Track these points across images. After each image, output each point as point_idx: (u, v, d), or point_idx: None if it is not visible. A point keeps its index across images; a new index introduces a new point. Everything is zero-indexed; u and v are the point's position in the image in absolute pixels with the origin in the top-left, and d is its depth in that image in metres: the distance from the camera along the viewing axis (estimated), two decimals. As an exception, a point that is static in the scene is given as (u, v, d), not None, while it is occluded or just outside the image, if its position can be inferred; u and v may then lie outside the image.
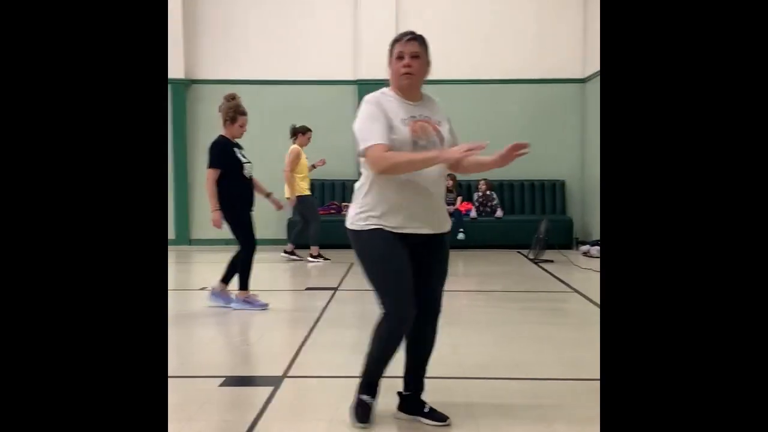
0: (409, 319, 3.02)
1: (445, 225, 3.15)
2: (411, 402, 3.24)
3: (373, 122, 2.93)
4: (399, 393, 3.28)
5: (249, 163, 5.81)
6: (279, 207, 6.70)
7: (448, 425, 3.16)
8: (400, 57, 3.01)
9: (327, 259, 8.86)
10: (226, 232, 5.83)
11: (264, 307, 5.86)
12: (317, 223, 8.90)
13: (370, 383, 3.19)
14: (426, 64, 3.06)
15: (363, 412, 3.15)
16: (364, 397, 3.17)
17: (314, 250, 8.93)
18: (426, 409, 3.22)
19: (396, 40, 3.06)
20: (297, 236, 9.07)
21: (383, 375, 3.20)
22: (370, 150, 2.91)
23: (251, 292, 5.91)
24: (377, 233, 2.99)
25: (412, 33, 3.06)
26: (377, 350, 3.13)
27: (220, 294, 5.94)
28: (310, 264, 8.79)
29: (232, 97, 5.86)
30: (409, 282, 3.00)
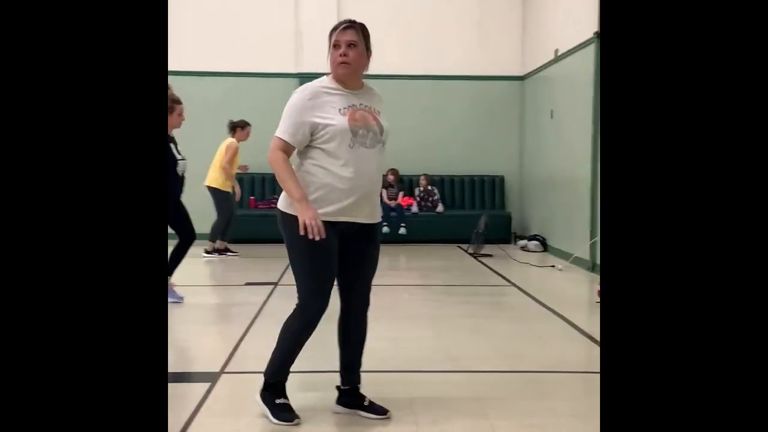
0: (322, 312, 3.03)
1: (377, 215, 3.14)
2: (350, 396, 3.23)
3: (291, 116, 2.95)
4: (337, 387, 3.27)
5: (183, 160, 5.64)
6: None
7: (387, 418, 3.16)
8: (337, 46, 2.98)
9: (235, 254, 8.74)
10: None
11: (179, 300, 5.74)
12: (222, 219, 8.70)
13: (278, 384, 3.16)
14: (364, 52, 3.01)
15: (288, 411, 3.13)
16: (281, 401, 3.14)
17: (209, 245, 8.74)
18: (366, 403, 3.21)
19: (334, 29, 3.02)
20: (215, 232, 8.87)
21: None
22: (274, 141, 2.98)
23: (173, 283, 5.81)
24: None
25: (349, 21, 3.02)
26: (290, 344, 3.11)
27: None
28: (205, 259, 8.59)
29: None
30: (332, 275, 3.01)
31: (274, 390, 3.16)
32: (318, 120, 2.92)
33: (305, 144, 2.97)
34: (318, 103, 2.94)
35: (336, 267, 3.03)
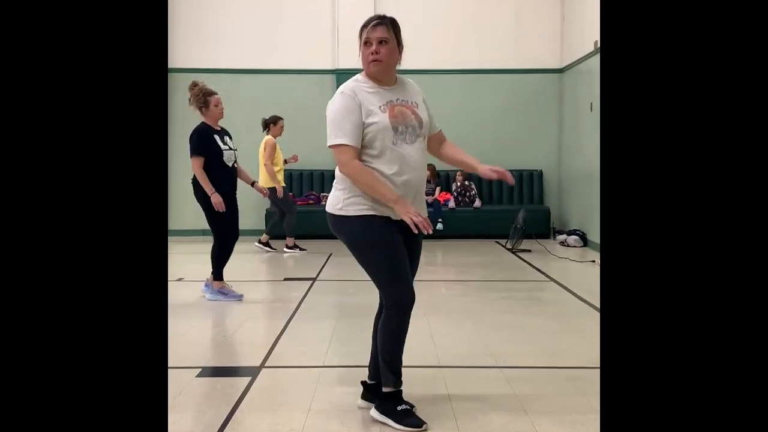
0: (413, 300, 2.98)
1: (424, 213, 3.12)
2: (376, 391, 3.19)
3: (345, 118, 2.88)
4: (363, 382, 3.25)
5: (230, 150, 5.72)
6: (264, 194, 6.72)
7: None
8: (368, 43, 2.95)
9: (303, 250, 8.83)
10: (203, 222, 5.78)
11: (239, 298, 5.81)
12: (292, 214, 8.86)
13: (396, 392, 3.07)
14: (395, 48, 2.98)
15: (412, 416, 3.03)
16: (402, 407, 3.04)
17: (290, 240, 8.89)
18: None
19: (364, 26, 2.98)
20: (273, 227, 9.03)
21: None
22: (337, 149, 2.89)
23: (226, 283, 5.87)
24: (373, 219, 2.93)
25: (379, 17, 2.99)
26: (395, 350, 3.02)
27: (218, 290, 5.88)
28: (286, 254, 8.76)
29: (194, 85, 5.76)
30: (407, 263, 2.97)
31: (391, 398, 3.07)
32: (366, 119, 2.89)
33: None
34: (363, 102, 2.91)
35: (407, 258, 2.99)
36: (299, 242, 8.93)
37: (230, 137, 5.84)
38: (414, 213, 2.83)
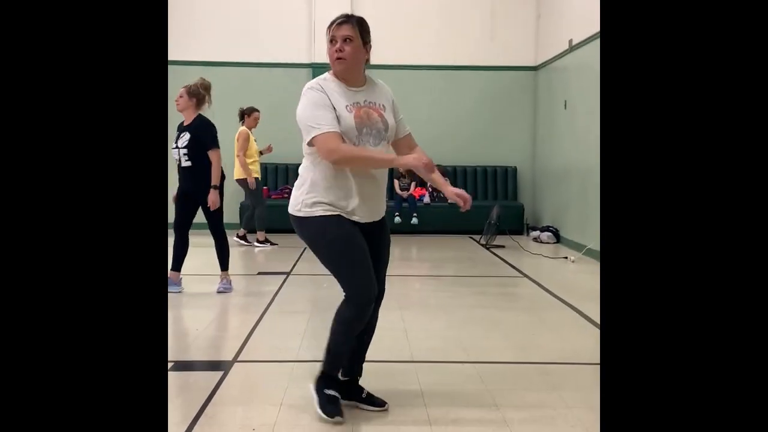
0: (372, 301, 2.97)
1: (384, 210, 3.12)
2: (349, 387, 3.19)
3: (319, 109, 2.83)
4: (336, 380, 3.22)
5: (176, 148, 5.67)
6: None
7: (385, 410, 3.15)
8: (333, 41, 2.92)
9: (274, 244, 8.79)
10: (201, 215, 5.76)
11: (178, 291, 5.80)
12: (262, 207, 8.80)
13: (331, 377, 3.11)
14: (360, 47, 2.93)
15: (335, 405, 3.06)
16: (330, 392, 3.07)
17: (260, 234, 8.84)
18: (363, 395, 3.19)
19: (330, 24, 2.95)
20: (248, 221, 8.98)
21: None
22: (321, 138, 2.81)
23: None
24: (331, 219, 2.91)
25: (345, 16, 2.95)
26: (342, 338, 3.02)
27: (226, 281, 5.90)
28: (257, 249, 8.71)
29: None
30: (367, 259, 2.94)
31: (326, 380, 3.10)
32: (335, 113, 2.86)
33: None
34: (330, 96, 2.87)
35: (367, 252, 2.97)
36: (272, 236, 8.90)
37: (191, 133, 5.65)
38: (419, 158, 2.87)
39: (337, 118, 2.84)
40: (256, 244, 8.80)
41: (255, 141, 8.70)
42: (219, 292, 5.81)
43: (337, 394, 3.08)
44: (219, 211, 5.64)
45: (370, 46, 2.99)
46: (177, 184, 5.72)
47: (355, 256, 2.91)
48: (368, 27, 2.99)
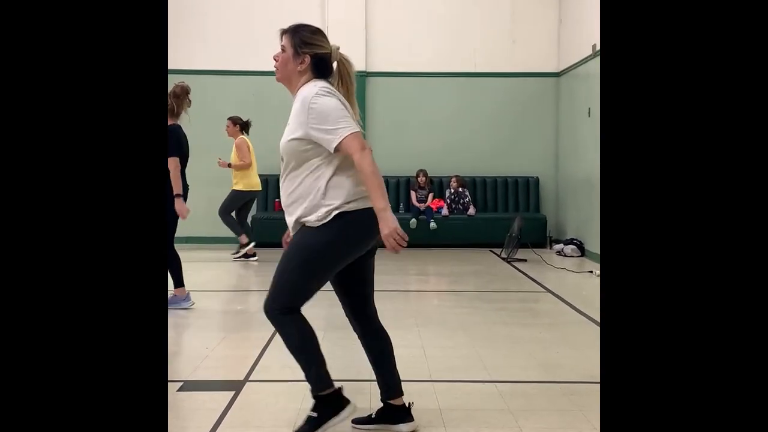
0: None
1: (292, 226, 2.98)
2: (384, 412, 3.11)
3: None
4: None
5: None
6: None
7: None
8: None
9: (254, 258, 8.64)
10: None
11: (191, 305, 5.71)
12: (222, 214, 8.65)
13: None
14: (290, 57, 2.85)
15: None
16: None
17: (243, 238, 8.68)
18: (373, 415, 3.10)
19: None
20: (247, 233, 8.85)
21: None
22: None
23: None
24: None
25: (288, 27, 2.94)
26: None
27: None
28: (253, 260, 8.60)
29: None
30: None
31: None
32: None
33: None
34: None
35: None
36: (260, 250, 8.74)
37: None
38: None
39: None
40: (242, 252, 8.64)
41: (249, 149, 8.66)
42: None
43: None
44: (175, 224, 5.52)
45: (311, 56, 2.86)
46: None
47: (325, 277, 2.97)
48: (311, 38, 2.88)
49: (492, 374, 3.95)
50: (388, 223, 2.73)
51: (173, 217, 5.44)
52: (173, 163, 5.42)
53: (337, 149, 2.75)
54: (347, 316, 3.07)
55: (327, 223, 2.80)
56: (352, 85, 2.96)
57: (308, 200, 2.80)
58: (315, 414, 2.91)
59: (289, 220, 2.90)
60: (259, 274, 7.88)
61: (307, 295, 2.91)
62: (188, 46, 10.40)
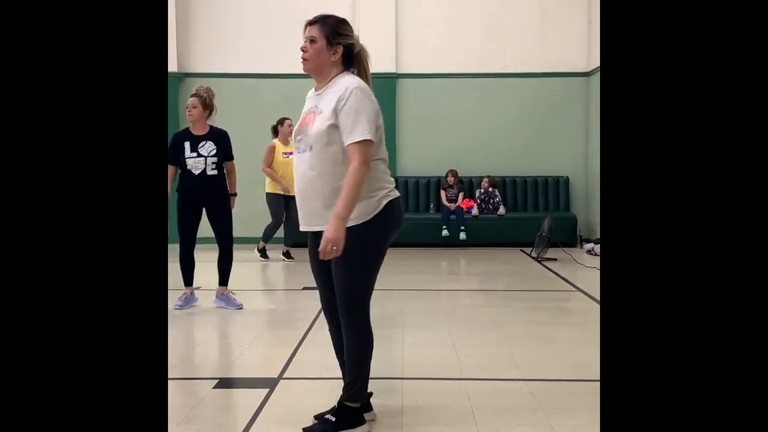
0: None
1: (313, 221, 2.94)
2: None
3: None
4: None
5: (200, 157, 5.64)
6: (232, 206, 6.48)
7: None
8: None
9: (290, 259, 8.74)
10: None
11: (239, 307, 5.78)
12: (273, 222, 8.75)
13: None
14: (324, 48, 2.86)
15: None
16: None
17: (261, 244, 8.82)
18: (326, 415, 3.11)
19: None
20: (286, 236, 8.92)
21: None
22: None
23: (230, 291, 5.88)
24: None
25: (314, 17, 2.93)
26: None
27: (223, 297, 5.86)
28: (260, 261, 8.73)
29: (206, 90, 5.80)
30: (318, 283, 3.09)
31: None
32: None
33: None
34: None
35: (317, 277, 3.06)
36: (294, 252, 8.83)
37: (215, 143, 5.68)
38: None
39: None
40: (256, 251, 8.80)
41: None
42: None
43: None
44: (180, 219, 5.68)
45: (344, 46, 2.89)
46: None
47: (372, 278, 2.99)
48: (342, 28, 2.91)
49: (523, 373, 3.95)
50: (339, 230, 2.72)
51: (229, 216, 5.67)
52: (233, 165, 5.76)
53: (346, 146, 2.77)
54: (328, 309, 3.11)
55: (378, 213, 2.86)
56: (368, 76, 2.99)
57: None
58: (333, 419, 2.99)
59: (317, 210, 2.87)
60: (293, 274, 7.96)
61: (371, 293, 3.00)
62: (223, 50, 10.54)
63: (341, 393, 3.05)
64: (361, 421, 3.02)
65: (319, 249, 2.75)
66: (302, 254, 8.78)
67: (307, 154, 2.86)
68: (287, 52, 10.64)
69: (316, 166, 2.83)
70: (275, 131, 8.72)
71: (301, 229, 3.00)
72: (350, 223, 2.80)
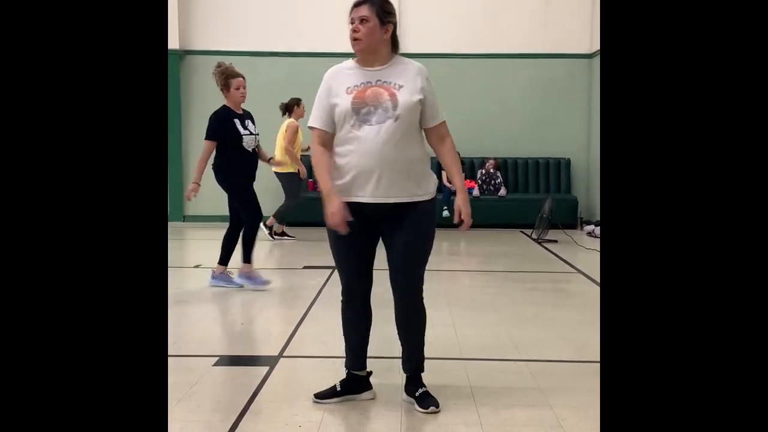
0: (350, 293, 3.16)
1: (391, 193, 2.93)
2: (407, 383, 3.18)
3: (318, 100, 2.99)
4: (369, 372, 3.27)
5: (251, 135, 5.65)
6: (276, 163, 6.97)
7: (431, 413, 3.04)
8: (352, 23, 2.95)
9: (292, 237, 8.74)
10: (221, 207, 5.74)
11: (265, 285, 5.75)
12: (292, 202, 8.71)
13: (347, 372, 3.28)
14: (377, 27, 2.91)
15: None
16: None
17: (279, 228, 8.77)
18: (417, 393, 3.12)
19: (351, 7, 2.98)
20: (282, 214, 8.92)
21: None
22: (312, 133, 3.00)
23: (253, 268, 5.82)
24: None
25: None
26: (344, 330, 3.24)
27: (220, 276, 5.84)
28: (275, 240, 8.67)
29: (218, 65, 5.72)
30: (349, 257, 3.12)
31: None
32: (332, 101, 2.94)
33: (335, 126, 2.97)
34: (333, 85, 2.96)
35: (356, 249, 3.07)
36: (303, 231, 8.83)
37: (253, 121, 5.78)
38: (330, 214, 2.87)
39: (334, 106, 2.92)
40: (266, 232, 8.60)
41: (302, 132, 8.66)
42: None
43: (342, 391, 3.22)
44: (240, 201, 5.71)
45: (393, 25, 2.97)
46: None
47: (339, 253, 3.11)
48: (389, 6, 2.98)
49: (523, 353, 3.97)
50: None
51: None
52: (205, 146, 5.62)
53: (437, 124, 3.02)
54: (361, 289, 3.15)
55: (433, 192, 3.04)
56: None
57: (421, 168, 2.99)
58: (426, 389, 3.12)
59: (400, 181, 2.92)
60: (292, 253, 7.97)
61: None
62: (223, 27, 10.46)
63: (410, 366, 3.16)
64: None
65: (463, 219, 2.99)
66: (299, 233, 8.89)
67: (391, 125, 2.86)
68: (286, 31, 10.62)
69: (405, 136, 2.91)
70: (287, 109, 8.60)
71: (366, 200, 2.91)
72: (427, 197, 2.98)
